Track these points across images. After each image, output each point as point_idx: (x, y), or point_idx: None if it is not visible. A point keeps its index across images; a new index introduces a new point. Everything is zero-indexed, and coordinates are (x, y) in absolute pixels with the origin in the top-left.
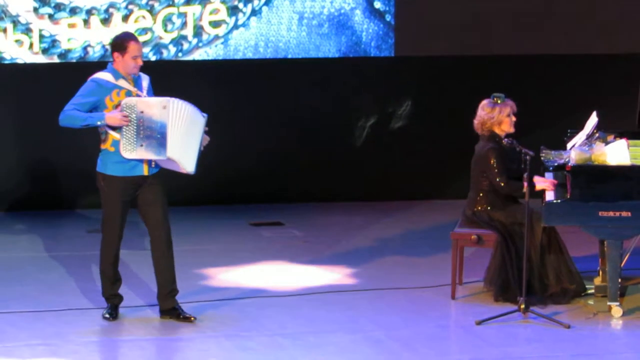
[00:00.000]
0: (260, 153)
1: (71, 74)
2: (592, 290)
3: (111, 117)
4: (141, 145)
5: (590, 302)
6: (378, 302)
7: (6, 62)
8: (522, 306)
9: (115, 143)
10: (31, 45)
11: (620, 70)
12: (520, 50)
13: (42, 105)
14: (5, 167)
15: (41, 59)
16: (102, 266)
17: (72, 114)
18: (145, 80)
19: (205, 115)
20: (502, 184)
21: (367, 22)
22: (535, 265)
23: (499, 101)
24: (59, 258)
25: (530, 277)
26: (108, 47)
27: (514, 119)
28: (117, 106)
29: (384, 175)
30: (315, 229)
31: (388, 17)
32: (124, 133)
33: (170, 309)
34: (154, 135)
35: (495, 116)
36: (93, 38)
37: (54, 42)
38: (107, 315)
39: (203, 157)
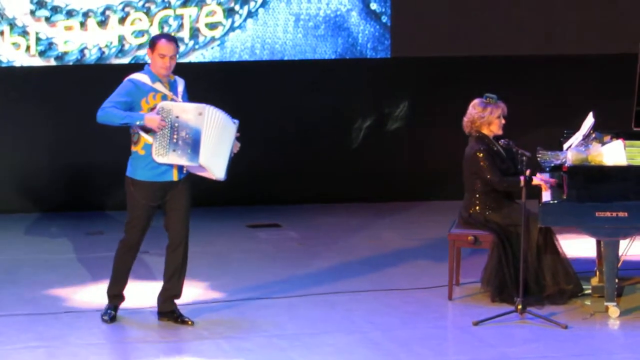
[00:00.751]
0: (256, 155)
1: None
2: (589, 291)
3: (150, 119)
4: (174, 151)
5: (588, 302)
6: (375, 303)
7: (3, 65)
8: (519, 307)
9: (147, 147)
10: (28, 48)
11: (616, 71)
12: (517, 51)
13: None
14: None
15: (38, 61)
16: (117, 264)
17: (111, 112)
18: (180, 85)
19: (236, 121)
20: (497, 180)
21: (364, 23)
22: (531, 266)
23: (491, 101)
24: (57, 260)
25: (526, 277)
26: (105, 49)
27: (503, 121)
28: (152, 109)
29: (381, 176)
30: (312, 230)
31: (384, 19)
32: (157, 137)
33: (169, 312)
34: (188, 141)
35: (485, 116)
36: (90, 40)
37: (50, 45)
38: (106, 317)
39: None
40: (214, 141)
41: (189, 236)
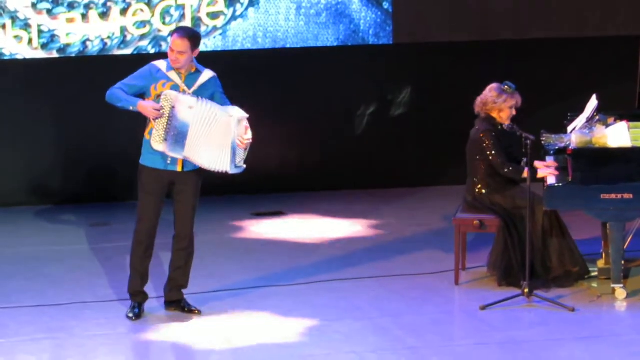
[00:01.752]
0: (260, 143)
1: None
2: (596, 273)
3: (143, 106)
4: (165, 140)
5: (594, 284)
6: (382, 289)
7: (6, 58)
8: (526, 290)
9: (151, 132)
10: (30, 40)
11: (619, 52)
12: (520, 35)
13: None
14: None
15: (40, 54)
16: (132, 259)
17: (114, 92)
18: (204, 77)
19: (238, 117)
20: (501, 164)
21: (365, 10)
22: (537, 249)
23: (508, 90)
24: (62, 251)
25: (533, 260)
26: (107, 40)
27: (514, 112)
28: (159, 95)
29: (385, 163)
30: (316, 218)
31: (386, 5)
32: (157, 124)
33: (176, 301)
34: (176, 133)
35: (499, 102)
36: (92, 32)
37: (52, 37)
38: (130, 315)
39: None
40: (203, 135)
41: (193, 227)
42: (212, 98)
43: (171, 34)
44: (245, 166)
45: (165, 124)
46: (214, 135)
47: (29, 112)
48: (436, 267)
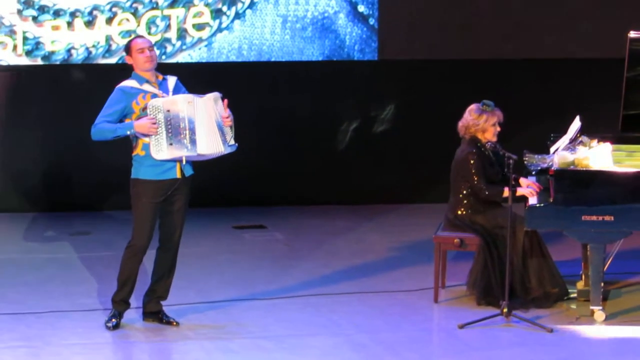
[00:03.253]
0: (242, 156)
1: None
2: (575, 294)
3: (140, 125)
4: (170, 144)
5: (573, 306)
6: (361, 305)
7: None
8: (505, 310)
9: (146, 146)
10: (15, 47)
11: (603, 74)
12: (504, 55)
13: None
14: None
15: (25, 61)
16: (122, 270)
17: (101, 128)
18: (171, 82)
19: (213, 96)
20: (481, 188)
21: (351, 25)
22: (517, 269)
23: (487, 109)
24: (41, 260)
25: (512, 281)
26: (92, 49)
27: (498, 129)
28: (144, 109)
29: (367, 179)
30: (298, 232)
31: (372, 21)
32: (152, 134)
33: (154, 312)
34: (184, 132)
35: (480, 123)
36: (77, 40)
37: (37, 44)
38: (110, 325)
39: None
40: (206, 127)
41: (181, 237)
42: None
43: (128, 44)
44: (237, 144)
45: (164, 130)
46: (211, 124)
47: (11, 118)
48: (415, 285)
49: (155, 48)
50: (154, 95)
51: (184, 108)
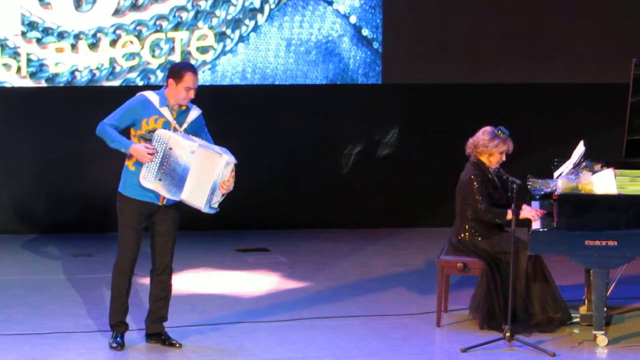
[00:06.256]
0: (245, 179)
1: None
2: (578, 319)
3: (136, 150)
4: (159, 180)
5: (576, 330)
6: (363, 328)
7: None
8: (507, 334)
9: (137, 164)
10: (19, 69)
11: (607, 99)
12: (509, 79)
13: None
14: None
15: (29, 82)
16: (112, 291)
17: (105, 130)
18: (192, 114)
19: (227, 159)
20: (484, 210)
21: (355, 49)
22: (520, 294)
23: (502, 135)
24: (44, 281)
25: (515, 305)
26: (96, 71)
27: (504, 158)
28: (150, 131)
29: (370, 202)
30: (301, 255)
31: (376, 45)
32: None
33: (157, 334)
34: (174, 175)
35: (490, 147)
36: (81, 62)
37: (41, 67)
38: (115, 345)
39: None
40: (199, 180)
41: (172, 260)
42: (196, 134)
43: (181, 73)
44: (218, 209)
45: (159, 163)
46: (206, 180)
47: (14, 139)
48: (418, 309)
49: None
50: (166, 123)
51: (185, 155)
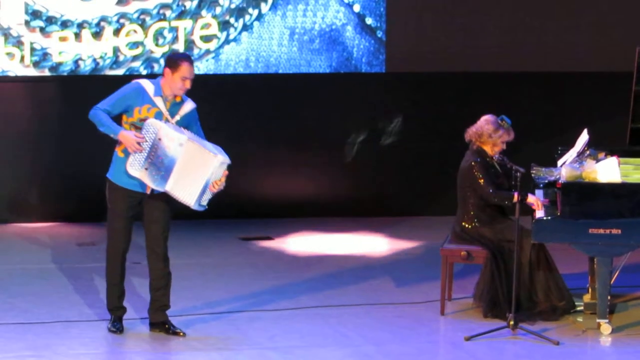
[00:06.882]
0: (249, 168)
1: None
2: (582, 308)
3: (125, 138)
4: (146, 169)
5: (580, 319)
6: (367, 317)
7: None
8: (511, 322)
9: (126, 151)
10: (22, 58)
11: (611, 88)
12: (512, 68)
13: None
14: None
15: (32, 72)
16: (106, 276)
17: (96, 115)
18: (186, 107)
19: (222, 159)
20: (490, 193)
21: (359, 38)
22: (524, 282)
23: (505, 125)
24: (48, 270)
25: (519, 293)
26: (99, 60)
27: (504, 147)
28: (142, 120)
29: (374, 190)
30: (304, 243)
31: (379, 33)
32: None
33: (160, 323)
34: (161, 166)
35: (494, 137)
36: (84, 51)
37: (45, 55)
38: (114, 329)
39: None
40: (186, 173)
41: (167, 246)
42: (188, 127)
43: (177, 63)
44: (207, 207)
45: (147, 152)
46: (195, 175)
47: (22, 128)
48: (422, 297)
49: None
50: (159, 113)
51: (173, 147)
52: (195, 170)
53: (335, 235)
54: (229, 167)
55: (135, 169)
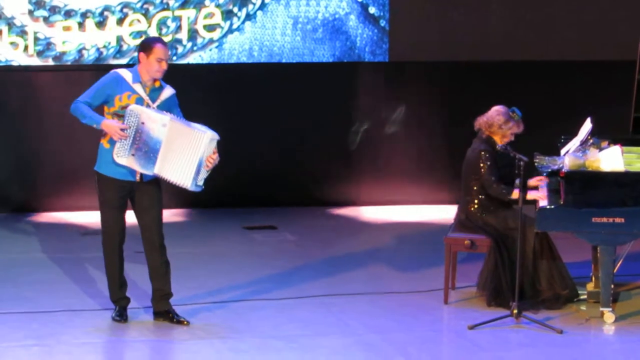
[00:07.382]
0: (253, 157)
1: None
2: (585, 296)
3: (108, 126)
4: (132, 155)
5: (583, 307)
6: (371, 306)
7: (1, 64)
8: (515, 311)
9: (112, 141)
10: (26, 47)
11: (615, 76)
12: (515, 56)
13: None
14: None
15: (36, 61)
16: (107, 270)
17: (78, 108)
18: (165, 94)
19: (211, 136)
20: (492, 183)
21: (362, 27)
22: (527, 271)
23: (515, 117)
24: (53, 259)
25: (522, 282)
26: (103, 49)
27: (512, 139)
28: (123, 107)
29: (378, 180)
30: (308, 232)
31: (382, 23)
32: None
33: (164, 312)
34: (147, 149)
35: (505, 129)
36: (88, 41)
37: (48, 45)
38: (118, 318)
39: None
40: (174, 154)
41: (163, 233)
42: (169, 111)
43: (150, 45)
44: (203, 186)
45: (132, 138)
46: (184, 154)
47: (28, 117)
48: (426, 286)
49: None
50: (139, 99)
51: (156, 128)
52: (185, 150)
53: (339, 224)
54: (222, 146)
55: (122, 156)
